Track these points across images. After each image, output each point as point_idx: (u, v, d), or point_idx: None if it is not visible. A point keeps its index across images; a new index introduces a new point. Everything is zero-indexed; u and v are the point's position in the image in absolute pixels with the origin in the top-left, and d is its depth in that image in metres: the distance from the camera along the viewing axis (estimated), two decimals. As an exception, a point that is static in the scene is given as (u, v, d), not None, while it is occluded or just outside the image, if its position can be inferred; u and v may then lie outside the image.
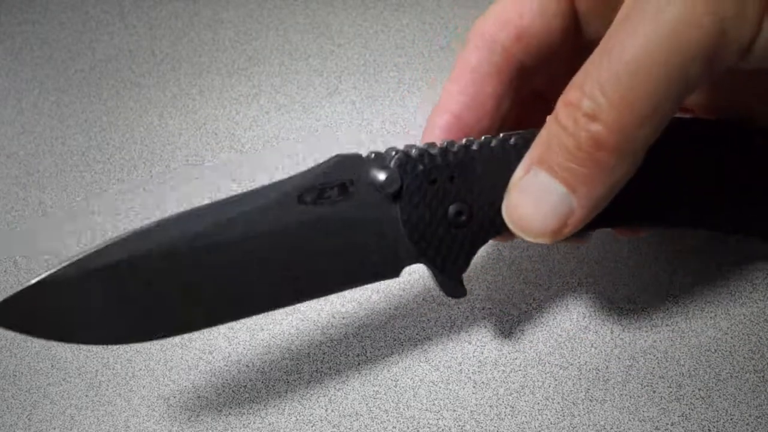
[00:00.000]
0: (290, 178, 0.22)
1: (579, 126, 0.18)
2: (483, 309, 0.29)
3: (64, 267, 0.20)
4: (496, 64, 0.24)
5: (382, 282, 0.28)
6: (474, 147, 0.22)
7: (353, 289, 0.24)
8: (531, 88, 0.25)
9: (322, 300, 0.29)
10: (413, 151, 0.22)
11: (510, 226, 0.21)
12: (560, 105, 0.19)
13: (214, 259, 0.21)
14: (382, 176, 0.21)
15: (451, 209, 0.22)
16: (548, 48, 0.24)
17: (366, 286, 0.29)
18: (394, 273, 0.23)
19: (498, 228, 0.23)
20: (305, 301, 0.23)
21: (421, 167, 0.22)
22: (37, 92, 0.36)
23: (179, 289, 0.21)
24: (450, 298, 0.25)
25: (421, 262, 0.23)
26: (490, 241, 0.28)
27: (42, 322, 0.20)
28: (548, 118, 0.20)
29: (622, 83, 0.18)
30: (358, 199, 0.21)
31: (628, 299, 0.30)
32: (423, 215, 0.22)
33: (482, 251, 0.25)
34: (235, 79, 0.37)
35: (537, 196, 0.20)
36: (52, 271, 0.20)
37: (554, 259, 0.25)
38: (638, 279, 0.30)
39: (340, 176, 0.21)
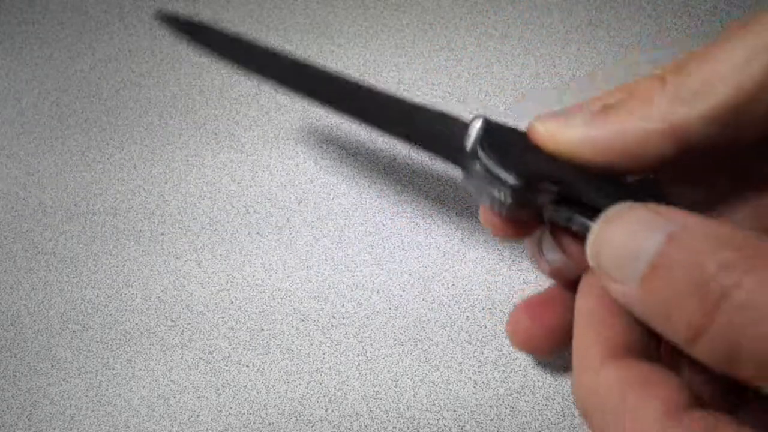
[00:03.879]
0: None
1: None
2: (483, 309, 0.29)
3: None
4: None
5: (381, 282, 0.28)
6: None
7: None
8: None
9: (321, 300, 0.29)
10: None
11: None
12: None
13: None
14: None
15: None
16: None
17: (366, 286, 0.30)
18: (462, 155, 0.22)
19: None
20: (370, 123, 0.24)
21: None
22: (37, 92, 0.36)
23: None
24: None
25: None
26: (492, 241, 0.28)
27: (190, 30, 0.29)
28: None
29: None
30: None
31: (628, 299, 0.30)
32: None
33: (482, 252, 0.25)
34: (235, 79, 0.37)
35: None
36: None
37: (554, 259, 0.25)
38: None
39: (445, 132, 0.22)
